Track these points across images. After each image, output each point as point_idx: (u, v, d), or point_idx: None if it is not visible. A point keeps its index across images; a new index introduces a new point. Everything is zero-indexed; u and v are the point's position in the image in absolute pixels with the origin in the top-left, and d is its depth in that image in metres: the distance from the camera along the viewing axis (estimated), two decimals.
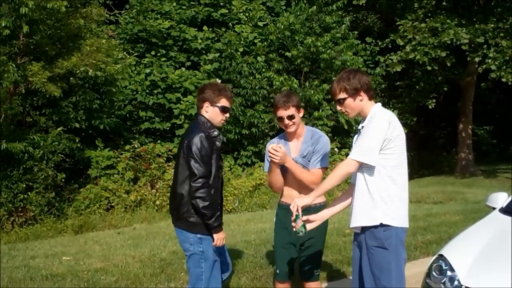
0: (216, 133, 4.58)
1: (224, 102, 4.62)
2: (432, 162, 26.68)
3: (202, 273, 4.53)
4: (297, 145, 4.86)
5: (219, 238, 4.47)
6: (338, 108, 4.16)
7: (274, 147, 4.50)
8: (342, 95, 4.05)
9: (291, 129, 4.81)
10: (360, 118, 4.17)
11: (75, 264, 7.19)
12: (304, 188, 4.78)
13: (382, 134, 3.86)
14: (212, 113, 4.61)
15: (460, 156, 23.48)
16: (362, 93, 4.03)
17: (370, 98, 4.09)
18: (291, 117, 4.77)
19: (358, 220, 4.01)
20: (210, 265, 4.53)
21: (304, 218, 4.11)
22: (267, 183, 5.00)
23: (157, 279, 6.37)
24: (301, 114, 4.88)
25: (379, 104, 4.11)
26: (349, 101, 4.05)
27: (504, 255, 4.32)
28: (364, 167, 3.94)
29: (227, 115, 4.71)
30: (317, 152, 4.79)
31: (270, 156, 4.54)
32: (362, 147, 3.86)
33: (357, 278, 4.24)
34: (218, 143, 4.57)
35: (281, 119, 4.79)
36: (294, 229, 4.08)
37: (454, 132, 24.78)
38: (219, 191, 4.64)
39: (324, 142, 4.84)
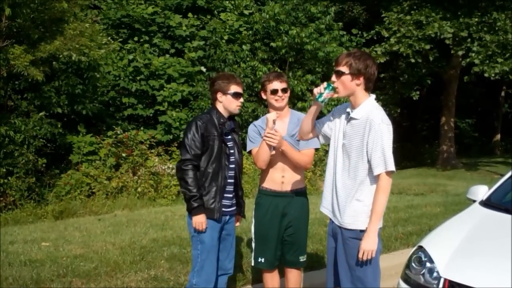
0: (222, 120, 4.74)
1: (234, 88, 4.79)
2: (414, 154, 26.90)
3: (198, 255, 4.67)
4: (283, 126, 4.85)
5: (196, 222, 4.55)
6: (333, 79, 4.00)
7: (271, 133, 4.46)
8: (344, 69, 3.92)
9: (282, 103, 4.86)
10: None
11: (55, 250, 7.15)
12: (288, 171, 4.85)
13: (391, 140, 3.87)
14: (226, 101, 4.78)
15: (442, 148, 23.67)
16: (361, 79, 3.92)
17: (366, 89, 3.98)
18: (285, 90, 4.85)
19: (352, 224, 3.97)
20: (206, 248, 4.64)
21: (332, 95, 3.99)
22: (254, 159, 4.96)
23: (137, 267, 6.34)
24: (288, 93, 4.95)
25: (373, 96, 4.04)
26: (347, 78, 3.92)
27: (484, 247, 4.36)
28: (358, 174, 3.93)
29: (241, 99, 4.86)
30: None
31: (265, 140, 4.52)
32: (388, 157, 3.81)
33: (332, 268, 4.26)
34: (224, 129, 4.73)
35: (275, 91, 4.83)
36: (319, 93, 3.98)
37: (437, 124, 24.97)
38: (222, 176, 4.69)
39: None
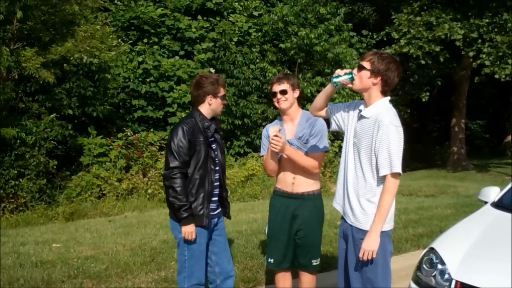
0: (207, 124, 4.66)
1: (222, 91, 4.78)
2: (425, 155, 26.75)
3: (186, 261, 4.66)
4: (292, 128, 4.86)
5: (186, 232, 4.52)
6: (354, 71, 4.03)
7: (275, 139, 4.47)
8: (366, 65, 3.95)
9: (283, 105, 4.84)
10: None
11: (65, 251, 7.18)
12: (299, 173, 4.83)
13: (402, 143, 3.86)
14: (215, 104, 4.74)
15: (452, 150, 23.55)
16: (379, 79, 3.94)
17: (382, 92, 3.98)
18: (283, 92, 4.82)
19: (363, 225, 3.97)
20: (194, 254, 4.64)
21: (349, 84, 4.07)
22: (263, 166, 5.01)
23: (147, 268, 6.36)
24: (296, 94, 4.91)
25: (388, 99, 4.03)
26: (365, 74, 3.95)
27: (495, 249, 4.34)
28: (367, 175, 3.93)
29: (225, 101, 4.89)
30: (316, 135, 4.79)
31: (270, 145, 4.54)
32: (394, 159, 3.79)
33: (342, 270, 4.26)
34: (209, 133, 4.65)
35: (274, 94, 4.86)
36: (337, 75, 4.06)
37: (447, 125, 24.83)
38: (208, 181, 4.65)
39: (321, 124, 4.82)
